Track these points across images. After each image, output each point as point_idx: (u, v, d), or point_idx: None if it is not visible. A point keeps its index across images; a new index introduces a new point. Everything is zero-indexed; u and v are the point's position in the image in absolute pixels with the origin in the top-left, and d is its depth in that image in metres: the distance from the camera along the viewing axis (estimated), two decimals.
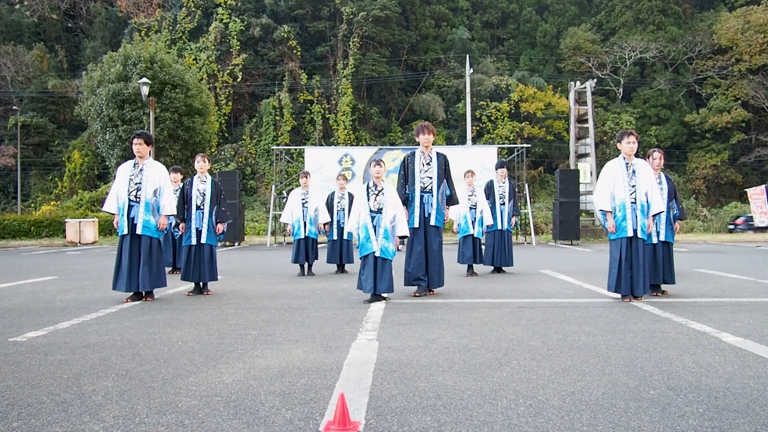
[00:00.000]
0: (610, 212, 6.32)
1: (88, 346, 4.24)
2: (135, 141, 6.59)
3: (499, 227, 9.62)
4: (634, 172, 6.29)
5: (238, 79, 36.87)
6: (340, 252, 9.92)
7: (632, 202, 6.24)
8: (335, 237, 9.92)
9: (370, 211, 6.44)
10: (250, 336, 4.58)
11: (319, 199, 9.86)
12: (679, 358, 3.80)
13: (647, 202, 6.26)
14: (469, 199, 9.26)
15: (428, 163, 6.86)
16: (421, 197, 6.82)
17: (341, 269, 10.03)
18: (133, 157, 6.71)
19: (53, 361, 3.82)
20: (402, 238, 6.62)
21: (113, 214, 6.59)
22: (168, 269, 9.26)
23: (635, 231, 6.21)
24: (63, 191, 34.54)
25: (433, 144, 6.97)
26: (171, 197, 6.73)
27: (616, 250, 6.31)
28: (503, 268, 9.79)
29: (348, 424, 2.47)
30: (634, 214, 6.23)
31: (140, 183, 6.53)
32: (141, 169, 6.59)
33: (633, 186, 6.26)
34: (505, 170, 9.98)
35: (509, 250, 9.69)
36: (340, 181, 10.43)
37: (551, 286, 7.70)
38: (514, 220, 9.87)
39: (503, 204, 9.73)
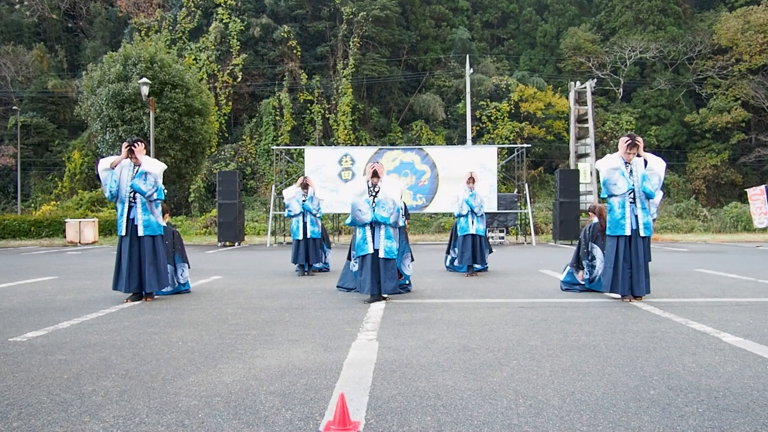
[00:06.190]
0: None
1: (88, 346, 4.24)
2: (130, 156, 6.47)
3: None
4: (631, 171, 6.31)
5: (238, 79, 36.86)
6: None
7: (631, 202, 6.25)
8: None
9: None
10: (250, 336, 4.58)
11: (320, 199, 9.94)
12: (679, 358, 3.80)
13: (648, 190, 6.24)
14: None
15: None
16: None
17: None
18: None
19: (53, 361, 3.82)
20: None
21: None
22: None
23: (634, 230, 6.22)
24: (63, 191, 34.54)
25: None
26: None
27: (612, 249, 6.31)
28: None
29: (348, 424, 2.47)
30: (633, 213, 6.23)
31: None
32: (138, 172, 6.57)
33: (632, 184, 6.26)
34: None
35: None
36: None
37: (551, 286, 7.70)
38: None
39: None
